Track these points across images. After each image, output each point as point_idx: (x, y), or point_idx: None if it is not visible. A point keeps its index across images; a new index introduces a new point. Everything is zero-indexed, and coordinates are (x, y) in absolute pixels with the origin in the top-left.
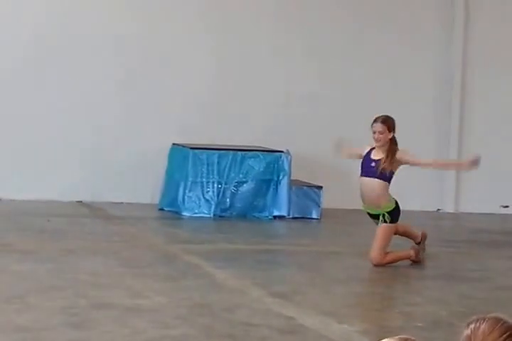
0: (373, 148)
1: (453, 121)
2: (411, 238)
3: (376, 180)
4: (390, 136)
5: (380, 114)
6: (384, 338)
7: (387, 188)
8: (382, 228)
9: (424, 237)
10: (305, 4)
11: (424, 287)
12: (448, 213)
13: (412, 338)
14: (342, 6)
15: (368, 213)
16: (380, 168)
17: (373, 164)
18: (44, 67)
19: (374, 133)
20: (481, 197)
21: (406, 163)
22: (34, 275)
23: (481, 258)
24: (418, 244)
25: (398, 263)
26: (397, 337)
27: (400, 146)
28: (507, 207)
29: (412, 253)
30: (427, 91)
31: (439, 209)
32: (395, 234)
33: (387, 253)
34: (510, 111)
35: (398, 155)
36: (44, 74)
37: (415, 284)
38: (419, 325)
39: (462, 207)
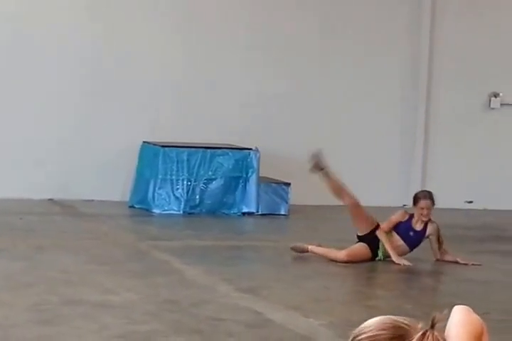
0: (412, 216)
1: (419, 119)
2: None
3: (407, 248)
4: (432, 209)
5: (423, 190)
6: (348, 331)
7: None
8: (367, 251)
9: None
10: (276, 6)
11: (388, 280)
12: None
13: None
14: (312, 7)
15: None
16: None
17: (412, 233)
18: (12, 65)
19: (422, 209)
20: (446, 193)
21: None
22: (5, 273)
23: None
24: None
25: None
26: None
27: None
28: (471, 202)
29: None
30: (394, 90)
31: (404, 205)
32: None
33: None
34: (474, 109)
35: (432, 230)
36: (11, 72)
37: (380, 278)
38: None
39: None
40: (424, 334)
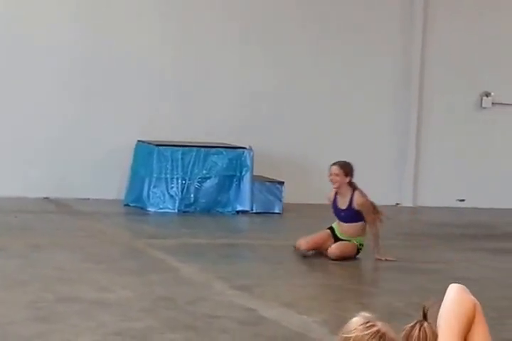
0: (336, 193)
1: (411, 118)
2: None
3: (352, 224)
4: (347, 180)
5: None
6: (342, 328)
7: (361, 225)
8: (353, 245)
9: None
10: (271, 6)
11: (381, 279)
12: (406, 207)
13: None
14: (307, 7)
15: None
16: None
17: (343, 214)
18: (5, 64)
19: (330, 175)
20: (438, 192)
21: (361, 210)
22: (1, 271)
23: (436, 251)
24: None
25: (357, 255)
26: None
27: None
28: (463, 200)
29: None
30: (387, 90)
31: (397, 204)
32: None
33: None
34: (466, 108)
35: (357, 201)
36: (6, 73)
37: (372, 276)
38: (376, 315)
39: (420, 201)
40: (413, 326)
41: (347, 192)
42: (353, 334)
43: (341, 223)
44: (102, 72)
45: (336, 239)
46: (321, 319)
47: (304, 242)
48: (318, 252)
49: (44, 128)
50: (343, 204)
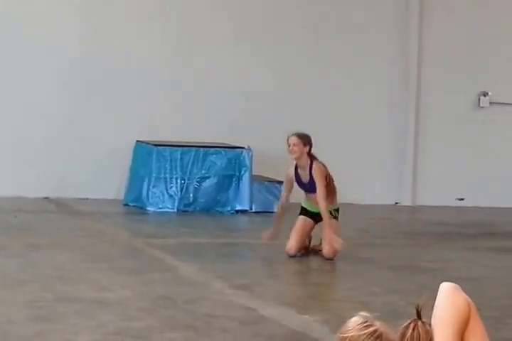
0: (296, 168)
1: (409, 118)
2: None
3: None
4: (306, 150)
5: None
6: (340, 332)
7: (327, 192)
8: (332, 223)
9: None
10: (267, 6)
11: (382, 278)
12: (405, 206)
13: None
14: (304, 7)
15: (308, 211)
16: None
17: (308, 186)
18: (3, 64)
19: (289, 146)
20: (437, 191)
21: (315, 179)
22: (0, 270)
23: (436, 250)
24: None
25: (357, 254)
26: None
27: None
28: (462, 199)
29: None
30: (385, 90)
31: (396, 203)
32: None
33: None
34: (464, 108)
35: (314, 170)
36: (5, 72)
37: (374, 275)
38: (378, 314)
39: (419, 201)
40: (407, 326)
41: (306, 163)
42: (349, 334)
43: (309, 194)
44: (101, 72)
45: (312, 216)
46: (322, 318)
47: (291, 247)
48: (313, 250)
49: (44, 128)
50: (304, 177)
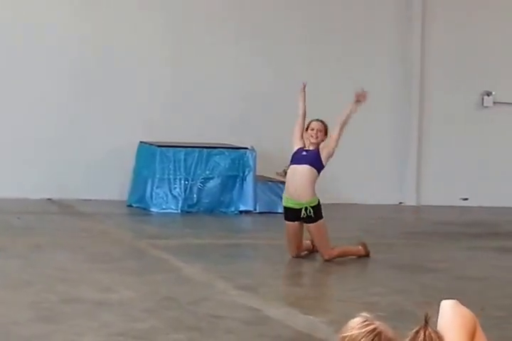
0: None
1: (413, 118)
2: (355, 255)
3: (308, 166)
4: (324, 139)
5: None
6: (341, 332)
7: (315, 179)
8: (315, 226)
9: (365, 246)
10: (268, 6)
11: (387, 278)
12: (410, 206)
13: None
14: (304, 8)
15: (288, 210)
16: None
17: (305, 153)
18: (4, 65)
19: (312, 129)
20: (441, 190)
21: (332, 144)
22: (3, 271)
23: (441, 250)
24: (367, 255)
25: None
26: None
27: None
28: (466, 199)
29: (361, 248)
30: (388, 90)
31: (400, 203)
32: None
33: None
34: (468, 108)
35: (322, 147)
36: (6, 73)
37: (378, 275)
38: (383, 314)
39: (423, 200)
40: (417, 331)
41: (315, 148)
42: (349, 333)
43: (297, 167)
44: (103, 72)
45: (294, 213)
46: (327, 319)
47: (290, 252)
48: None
49: (46, 129)
50: (310, 150)
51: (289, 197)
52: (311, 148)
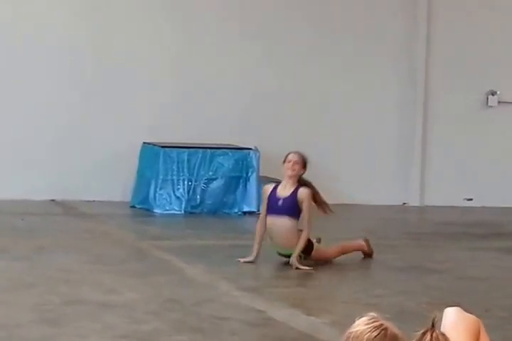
0: (277, 185)
1: (417, 117)
2: (358, 250)
3: (287, 218)
4: (302, 172)
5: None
6: (347, 330)
7: (297, 224)
8: (314, 255)
9: (367, 242)
10: (270, 5)
11: (390, 279)
12: (413, 207)
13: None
14: (307, 7)
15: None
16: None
17: (281, 202)
18: (9, 66)
19: (289, 162)
20: (445, 191)
21: (301, 205)
22: (7, 273)
23: (444, 250)
24: (370, 254)
25: (363, 255)
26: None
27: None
28: (471, 199)
29: (363, 244)
30: (392, 89)
31: (404, 203)
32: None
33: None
34: (472, 107)
35: (301, 193)
36: (10, 74)
37: (381, 276)
38: (386, 315)
39: (427, 201)
40: (424, 333)
41: (292, 186)
42: (355, 329)
43: (275, 221)
44: (106, 73)
45: (288, 256)
46: (330, 320)
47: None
48: None
49: (49, 130)
50: (283, 193)
51: (276, 246)
52: (284, 194)
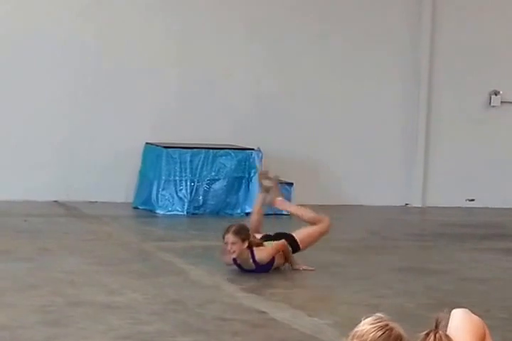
0: (235, 259)
1: (420, 117)
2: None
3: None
4: (245, 245)
5: (232, 224)
6: (353, 330)
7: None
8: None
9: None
10: (273, 5)
11: (391, 280)
12: (416, 207)
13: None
14: (307, 6)
15: None
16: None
17: (257, 270)
18: (12, 65)
19: (226, 244)
20: (447, 192)
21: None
22: (11, 274)
23: (446, 251)
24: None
25: (365, 256)
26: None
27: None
28: (473, 200)
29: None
30: (395, 90)
31: (407, 204)
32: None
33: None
34: (475, 107)
35: (261, 257)
36: (14, 74)
37: (383, 277)
38: (388, 316)
39: (429, 202)
40: (427, 334)
41: (248, 257)
42: (360, 328)
43: None
44: (109, 74)
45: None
46: (333, 321)
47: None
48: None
49: (53, 131)
50: (248, 266)
51: None
52: (251, 268)
